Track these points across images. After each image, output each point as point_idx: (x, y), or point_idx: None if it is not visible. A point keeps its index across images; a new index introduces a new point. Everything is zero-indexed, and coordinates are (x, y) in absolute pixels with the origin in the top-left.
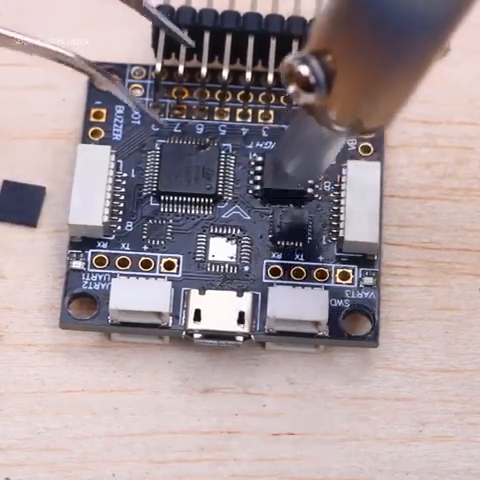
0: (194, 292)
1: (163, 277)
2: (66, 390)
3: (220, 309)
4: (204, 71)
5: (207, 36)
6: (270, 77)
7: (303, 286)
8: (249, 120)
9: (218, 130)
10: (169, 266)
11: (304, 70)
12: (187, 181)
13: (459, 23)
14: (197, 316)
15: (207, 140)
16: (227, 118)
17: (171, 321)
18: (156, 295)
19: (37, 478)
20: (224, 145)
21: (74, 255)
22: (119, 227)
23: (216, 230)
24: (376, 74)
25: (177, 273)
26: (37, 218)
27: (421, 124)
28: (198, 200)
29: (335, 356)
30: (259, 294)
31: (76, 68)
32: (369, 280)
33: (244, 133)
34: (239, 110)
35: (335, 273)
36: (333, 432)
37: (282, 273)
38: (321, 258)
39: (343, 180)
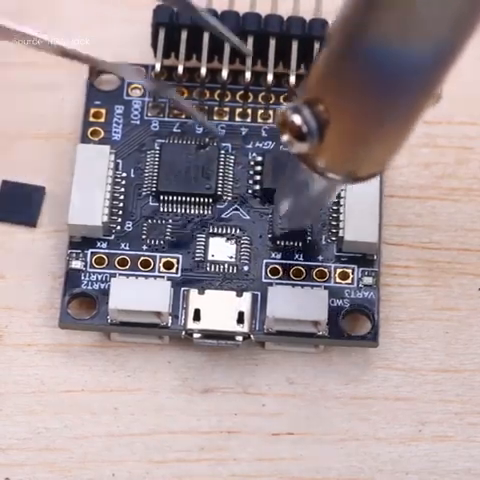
0: (193, 292)
1: (162, 277)
2: (66, 390)
3: (219, 309)
4: (203, 71)
5: (206, 36)
6: (269, 77)
7: (303, 286)
8: (248, 120)
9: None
10: (168, 266)
11: (297, 119)
12: (186, 181)
13: (450, 70)
14: (196, 316)
15: (206, 140)
16: (226, 118)
17: (170, 321)
18: (155, 295)
19: (37, 478)
20: (223, 145)
21: (74, 255)
22: (118, 227)
23: (215, 230)
24: (368, 123)
25: (176, 273)
26: (37, 218)
27: (421, 124)
28: (197, 200)
29: (335, 356)
30: (259, 294)
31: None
32: (369, 280)
33: (243, 133)
34: (238, 110)
35: (335, 273)
36: (333, 432)
37: (282, 273)
38: (321, 258)
39: None
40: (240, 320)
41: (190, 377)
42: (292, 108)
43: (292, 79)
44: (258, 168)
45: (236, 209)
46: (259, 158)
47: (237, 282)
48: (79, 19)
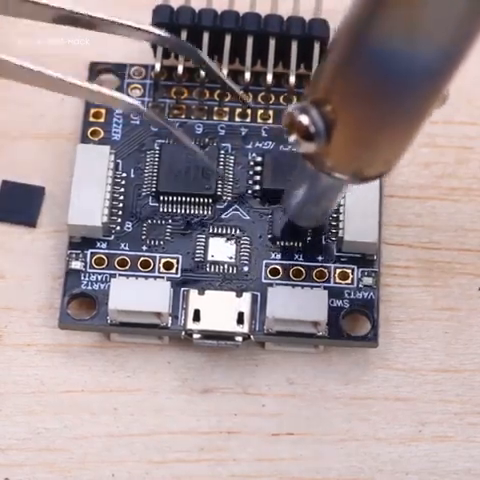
0: (193, 292)
1: (162, 277)
2: (65, 390)
3: (219, 309)
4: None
5: (206, 36)
6: (269, 77)
7: (302, 286)
8: (248, 120)
9: (217, 130)
10: (168, 266)
11: (304, 120)
12: (186, 181)
13: (456, 71)
14: (196, 316)
15: (206, 140)
16: (226, 118)
17: (170, 321)
18: (155, 295)
19: (36, 478)
20: (223, 145)
21: (73, 255)
22: (118, 227)
23: (215, 230)
24: (375, 124)
25: (176, 273)
26: (36, 218)
27: None
28: (197, 200)
29: (335, 356)
30: (258, 294)
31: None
32: (368, 280)
33: (243, 133)
34: (238, 110)
35: (334, 273)
36: (333, 432)
37: (281, 273)
38: (320, 258)
39: None
40: (240, 320)
41: (190, 377)
42: (300, 108)
43: (292, 79)
44: (258, 168)
45: (236, 209)
46: (259, 158)
47: (237, 282)
48: None
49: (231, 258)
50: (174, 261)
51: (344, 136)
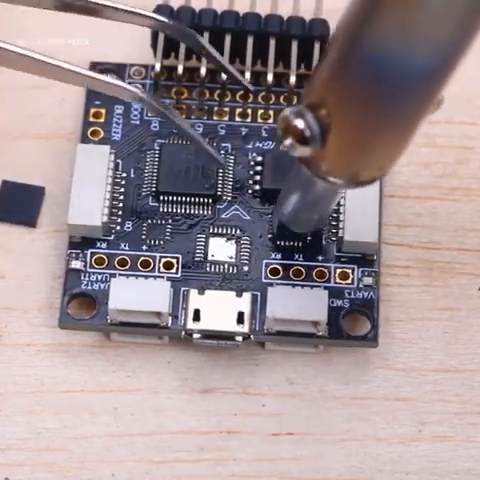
0: (193, 292)
1: (162, 277)
2: (65, 390)
3: (219, 309)
4: (203, 71)
5: (206, 36)
6: (269, 77)
7: (302, 286)
8: (248, 120)
9: (217, 130)
10: (168, 266)
11: (299, 123)
12: (186, 181)
13: (452, 76)
14: (196, 316)
15: (206, 140)
16: (226, 118)
17: (170, 321)
18: (155, 295)
19: (36, 478)
20: (223, 145)
21: (73, 255)
22: (118, 227)
23: (215, 230)
24: (371, 128)
25: (176, 273)
26: (36, 218)
27: None
28: (197, 200)
29: (335, 356)
30: (258, 294)
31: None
32: (369, 280)
33: (243, 133)
34: (238, 110)
35: (334, 273)
36: (333, 432)
37: (281, 273)
38: (320, 258)
39: None
40: (240, 320)
41: (190, 377)
42: (295, 112)
43: (292, 79)
44: (258, 168)
45: (236, 209)
46: (259, 158)
47: (237, 282)
48: (79, 19)
49: (231, 258)
50: (174, 261)
51: (339, 140)
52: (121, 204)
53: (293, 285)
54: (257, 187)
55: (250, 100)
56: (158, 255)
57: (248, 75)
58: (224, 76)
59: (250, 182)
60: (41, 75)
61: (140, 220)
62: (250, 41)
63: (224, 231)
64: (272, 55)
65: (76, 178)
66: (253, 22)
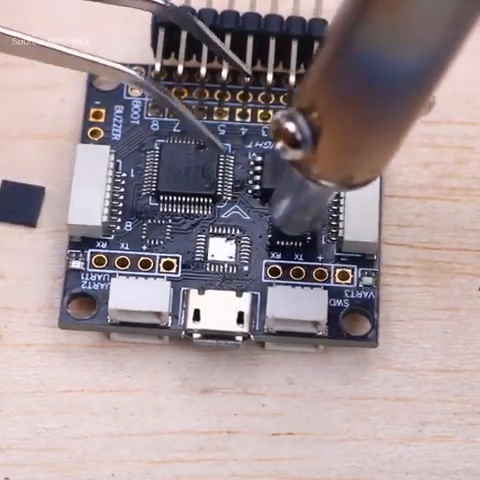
0: (193, 292)
1: (162, 277)
2: (65, 390)
3: (219, 309)
4: (203, 71)
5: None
6: (269, 77)
7: (302, 286)
8: (248, 120)
9: (217, 130)
10: (168, 266)
11: (291, 127)
12: (186, 181)
13: (443, 78)
14: (196, 316)
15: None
16: (226, 118)
17: (170, 321)
18: (155, 295)
19: (36, 478)
20: (223, 145)
21: (73, 255)
22: (118, 227)
23: (215, 230)
24: (361, 131)
25: (176, 273)
26: (36, 218)
27: (421, 124)
28: (197, 200)
29: (335, 356)
30: (258, 294)
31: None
32: (368, 280)
33: (243, 133)
34: (238, 110)
35: (334, 273)
36: (333, 432)
37: (281, 273)
38: (320, 258)
39: None
40: (240, 320)
41: (190, 377)
42: (286, 116)
43: (292, 79)
44: (258, 168)
45: (236, 209)
46: (259, 158)
47: (237, 282)
48: (79, 19)
49: (231, 258)
50: (174, 261)
51: (330, 143)
52: (121, 204)
53: (293, 285)
54: (257, 187)
55: (250, 100)
56: (158, 255)
57: None
58: (224, 76)
59: (250, 182)
60: (40, 60)
61: (140, 220)
62: (250, 41)
63: (224, 231)
64: (272, 55)
65: (76, 178)
66: (253, 22)
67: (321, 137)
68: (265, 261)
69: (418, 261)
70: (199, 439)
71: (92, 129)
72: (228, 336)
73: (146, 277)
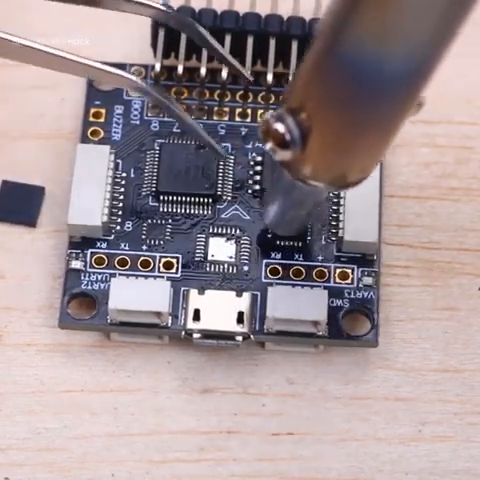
0: (193, 292)
1: (162, 277)
2: (65, 390)
3: (219, 309)
4: (203, 71)
5: None
6: (269, 77)
7: (302, 286)
8: (248, 120)
9: (217, 130)
10: (168, 266)
11: (280, 127)
12: (186, 181)
13: (431, 78)
14: (196, 316)
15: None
16: (226, 118)
17: (170, 321)
18: (155, 295)
19: (36, 478)
20: (223, 145)
21: (73, 255)
22: (118, 227)
23: (215, 230)
24: (350, 131)
25: (176, 273)
26: (36, 218)
27: (420, 124)
28: (197, 200)
29: (335, 356)
30: (258, 294)
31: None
32: (368, 280)
33: (243, 133)
34: (238, 110)
35: (334, 273)
36: (333, 432)
37: (281, 273)
38: (320, 258)
39: None
40: (240, 320)
41: (190, 377)
42: (275, 116)
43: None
44: (258, 168)
45: (236, 209)
46: (259, 158)
47: (237, 282)
48: (79, 19)
49: (231, 258)
50: (174, 261)
51: (320, 143)
52: (121, 204)
53: (293, 285)
54: (257, 187)
55: (250, 100)
56: (158, 255)
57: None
58: (224, 76)
59: (250, 182)
60: (42, 66)
61: (140, 220)
62: (250, 41)
63: (224, 231)
64: (272, 55)
65: (76, 178)
66: (253, 22)
67: (310, 137)
68: (265, 261)
69: (418, 261)
70: (199, 439)
71: (92, 129)
72: (228, 336)
73: (146, 277)
